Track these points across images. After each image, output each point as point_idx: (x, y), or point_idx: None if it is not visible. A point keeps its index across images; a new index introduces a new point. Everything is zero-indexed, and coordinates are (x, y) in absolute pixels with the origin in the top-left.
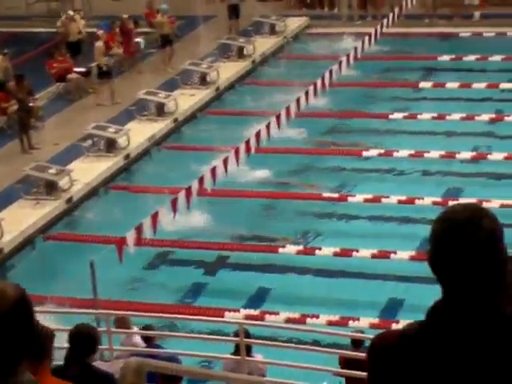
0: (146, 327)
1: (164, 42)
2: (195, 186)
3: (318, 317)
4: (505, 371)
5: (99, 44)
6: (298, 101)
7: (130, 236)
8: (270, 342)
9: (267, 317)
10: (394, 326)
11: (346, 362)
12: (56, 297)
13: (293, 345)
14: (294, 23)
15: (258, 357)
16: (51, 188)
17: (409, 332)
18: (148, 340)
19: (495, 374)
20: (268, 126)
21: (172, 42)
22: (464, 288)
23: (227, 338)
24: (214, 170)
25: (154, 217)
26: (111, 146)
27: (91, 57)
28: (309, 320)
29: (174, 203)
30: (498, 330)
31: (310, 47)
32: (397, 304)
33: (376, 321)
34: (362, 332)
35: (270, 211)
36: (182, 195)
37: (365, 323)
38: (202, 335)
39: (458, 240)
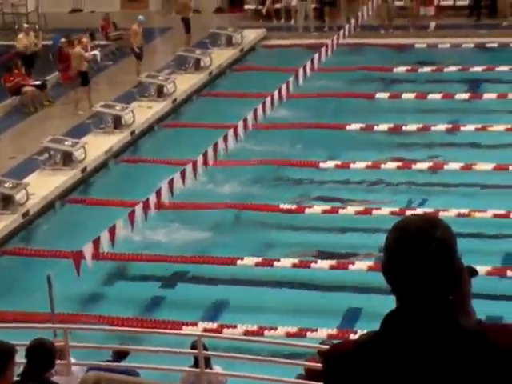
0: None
1: (139, 54)
2: (153, 198)
3: (276, 329)
4: (457, 381)
5: (78, 50)
6: (255, 112)
7: (88, 250)
8: (229, 354)
9: (225, 330)
10: (352, 337)
11: (310, 373)
12: (12, 311)
13: (252, 356)
14: (251, 35)
15: (217, 369)
16: (7, 202)
17: (363, 341)
18: (121, 356)
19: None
20: (225, 138)
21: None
22: (416, 298)
23: (186, 350)
24: (171, 183)
25: (112, 230)
26: (68, 159)
27: (46, 70)
28: (267, 332)
29: (131, 216)
30: (452, 340)
31: (266, 59)
32: (355, 314)
33: (334, 331)
34: (328, 343)
35: (228, 223)
36: (139, 208)
37: (323, 334)
38: (160, 348)
39: (409, 250)
